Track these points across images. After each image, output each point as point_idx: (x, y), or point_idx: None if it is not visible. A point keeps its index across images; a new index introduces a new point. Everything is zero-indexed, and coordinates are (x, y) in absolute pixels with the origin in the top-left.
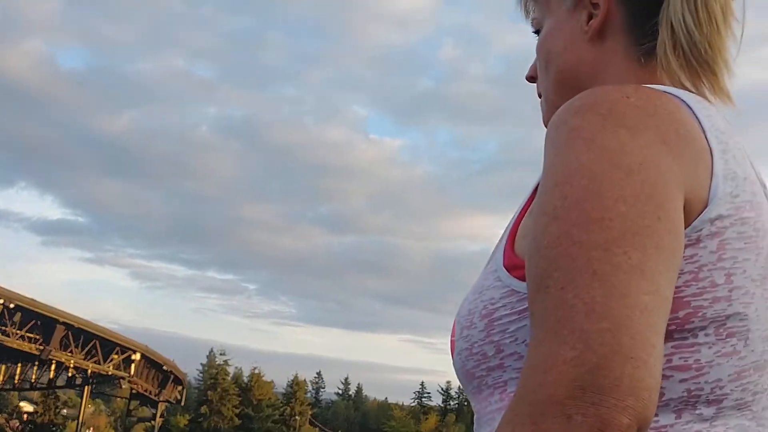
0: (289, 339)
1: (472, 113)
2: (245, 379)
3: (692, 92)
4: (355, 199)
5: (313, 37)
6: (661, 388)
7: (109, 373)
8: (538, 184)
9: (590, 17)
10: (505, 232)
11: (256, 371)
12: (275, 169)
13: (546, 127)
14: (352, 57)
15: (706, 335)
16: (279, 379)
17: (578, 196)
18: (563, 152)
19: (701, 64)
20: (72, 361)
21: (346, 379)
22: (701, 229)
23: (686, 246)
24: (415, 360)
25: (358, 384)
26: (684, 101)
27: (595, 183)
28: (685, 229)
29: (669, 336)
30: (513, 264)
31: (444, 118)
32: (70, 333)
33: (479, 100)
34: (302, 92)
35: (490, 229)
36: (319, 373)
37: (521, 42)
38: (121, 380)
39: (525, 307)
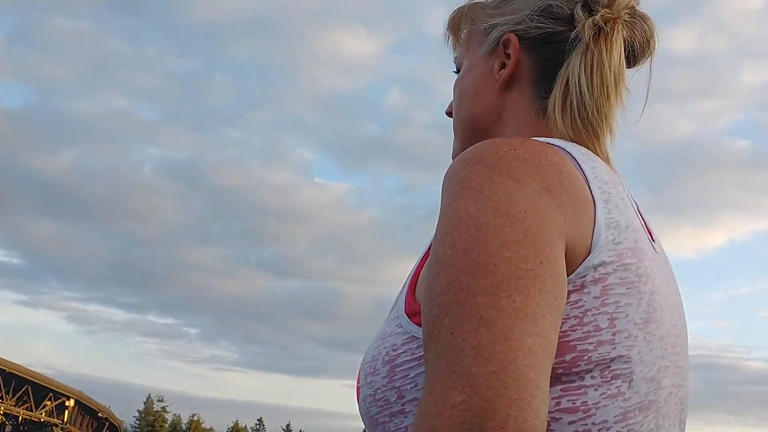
0: (230, 385)
1: (418, 159)
2: (184, 426)
3: (579, 144)
4: (300, 243)
5: (260, 79)
6: (552, 430)
7: (42, 420)
8: None
9: (502, 66)
10: (407, 279)
11: (195, 418)
12: (219, 211)
13: None
14: (298, 100)
15: (592, 378)
16: (219, 425)
17: (466, 244)
18: (454, 202)
19: (586, 126)
20: (2, 408)
21: (287, 425)
22: (585, 275)
23: (571, 291)
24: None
25: (300, 430)
26: (570, 153)
27: (481, 231)
28: (569, 275)
29: (557, 379)
30: (413, 310)
31: (390, 164)
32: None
33: (425, 147)
34: (248, 135)
35: None
36: (260, 420)
37: None
38: (53, 427)
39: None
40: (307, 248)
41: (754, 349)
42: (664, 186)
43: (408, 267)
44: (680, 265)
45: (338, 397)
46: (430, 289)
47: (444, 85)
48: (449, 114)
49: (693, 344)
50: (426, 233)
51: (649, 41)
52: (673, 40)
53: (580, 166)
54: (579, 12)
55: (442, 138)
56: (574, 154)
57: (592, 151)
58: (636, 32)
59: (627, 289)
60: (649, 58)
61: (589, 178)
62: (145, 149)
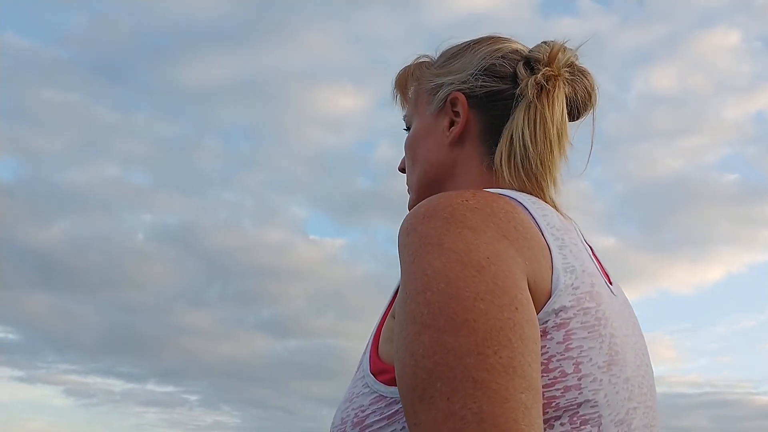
0: None
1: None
2: None
3: (529, 193)
4: (297, 301)
5: (249, 140)
6: None
7: None
8: (398, 289)
9: (452, 123)
10: (369, 337)
11: None
12: (214, 274)
13: None
14: (289, 159)
15: (562, 425)
16: None
17: (441, 302)
18: (418, 259)
19: (529, 177)
20: None
21: None
22: (546, 321)
23: None
24: None
25: None
26: (520, 202)
27: (451, 286)
28: None
29: None
30: (379, 369)
31: (383, 216)
32: None
33: None
34: (240, 196)
35: None
36: None
37: None
38: None
39: (394, 411)
40: (305, 306)
41: (761, 383)
42: (658, 224)
43: None
44: (681, 302)
45: None
46: (411, 351)
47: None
48: (402, 170)
49: (699, 382)
50: None
51: (590, 94)
52: (655, 79)
53: (531, 213)
54: (521, 70)
55: None
56: (524, 203)
57: (540, 199)
58: (577, 87)
59: (588, 333)
60: (592, 110)
61: (542, 225)
62: (138, 216)
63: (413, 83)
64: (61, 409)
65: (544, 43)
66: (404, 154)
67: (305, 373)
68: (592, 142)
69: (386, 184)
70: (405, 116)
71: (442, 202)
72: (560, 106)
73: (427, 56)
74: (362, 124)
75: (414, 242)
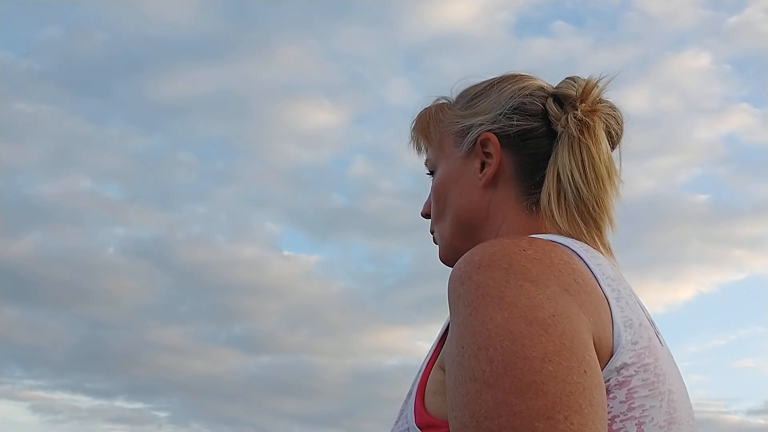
0: None
1: (385, 228)
2: None
3: (577, 239)
4: (271, 317)
5: (224, 155)
6: None
7: None
8: (443, 337)
9: (483, 165)
10: (413, 386)
11: None
12: (186, 289)
13: (444, 263)
14: (264, 174)
15: None
16: None
17: (505, 361)
18: (476, 312)
19: (586, 220)
20: None
21: None
22: (609, 380)
23: None
24: None
25: None
26: (574, 251)
27: (516, 344)
28: None
29: None
30: (426, 423)
31: (358, 233)
32: None
33: (392, 215)
34: (214, 211)
35: (406, 341)
36: None
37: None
38: None
39: None
40: (278, 323)
41: (732, 402)
42: (632, 243)
43: (382, 338)
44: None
45: None
46: (471, 410)
47: (406, 154)
48: (426, 215)
49: None
50: (396, 301)
51: (621, 128)
52: (627, 100)
53: (586, 263)
54: (552, 107)
55: (408, 205)
56: (578, 252)
57: (592, 245)
58: (611, 122)
59: (649, 391)
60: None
61: (598, 276)
62: (109, 229)
63: (436, 126)
64: (25, 426)
65: (570, 79)
66: (431, 199)
67: (278, 390)
68: (619, 175)
69: (362, 200)
70: (427, 159)
71: (498, 251)
72: (605, 142)
73: (444, 98)
74: (338, 141)
75: (470, 292)
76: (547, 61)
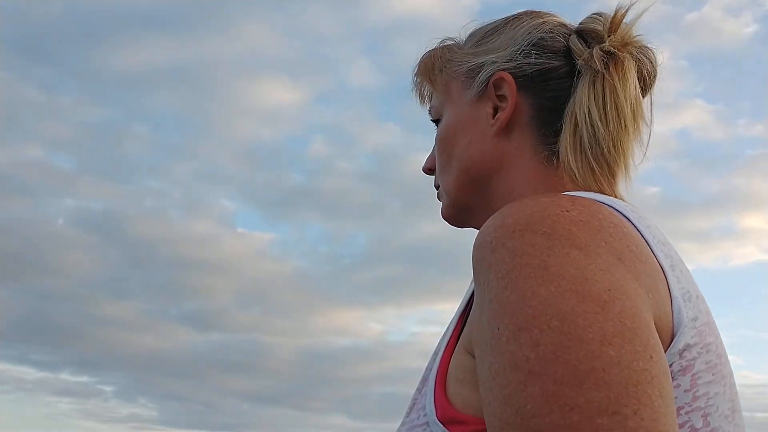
0: None
1: (342, 208)
2: None
3: (605, 194)
4: (222, 295)
5: (179, 129)
6: None
7: None
8: (464, 313)
9: (495, 110)
10: (429, 372)
11: None
12: (137, 264)
13: (449, 222)
14: (220, 150)
15: None
16: None
17: (555, 344)
18: (513, 284)
19: (600, 164)
20: None
21: None
22: (672, 364)
23: None
24: None
25: None
26: (619, 211)
27: (568, 324)
28: None
29: None
30: (450, 417)
31: (314, 213)
32: None
33: (349, 196)
34: (167, 185)
35: (359, 322)
36: None
37: (388, 141)
38: None
39: None
40: (230, 300)
41: None
42: None
43: (335, 318)
44: None
45: None
46: (515, 405)
47: (365, 134)
48: (429, 171)
49: None
50: (350, 282)
51: (655, 71)
52: None
53: (635, 225)
54: (576, 43)
55: (365, 187)
56: (624, 212)
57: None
58: (644, 60)
59: (713, 375)
60: (650, 90)
61: (650, 241)
62: (59, 200)
63: (443, 67)
64: None
65: (595, 14)
66: (434, 151)
67: (228, 367)
68: (650, 126)
69: (319, 180)
70: (432, 107)
71: (537, 212)
72: (633, 79)
73: (451, 39)
74: (297, 119)
75: (505, 261)
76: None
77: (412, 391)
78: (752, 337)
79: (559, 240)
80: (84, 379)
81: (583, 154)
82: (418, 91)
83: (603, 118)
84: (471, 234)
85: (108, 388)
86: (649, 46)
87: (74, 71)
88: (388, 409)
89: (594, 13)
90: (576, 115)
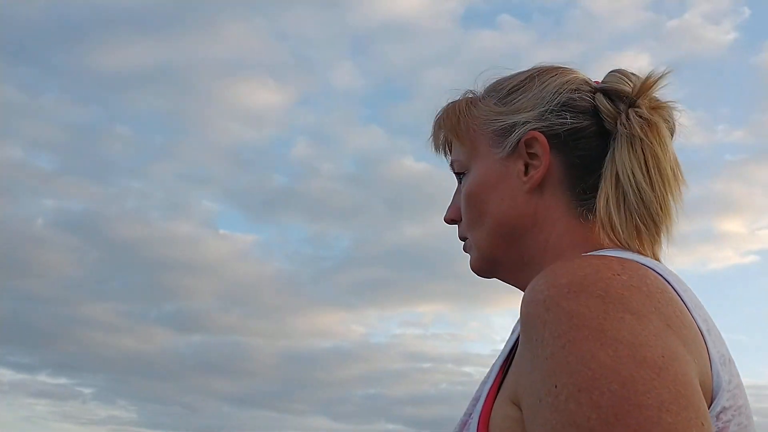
0: None
1: (325, 211)
2: None
3: (642, 254)
4: (204, 296)
5: (162, 130)
6: None
7: None
8: (506, 361)
9: (526, 167)
10: (469, 417)
11: None
12: (117, 265)
13: (478, 274)
14: (202, 152)
15: None
16: None
17: (616, 408)
18: (571, 346)
19: (648, 226)
20: None
21: None
22: None
23: None
24: None
25: None
26: (660, 274)
27: (628, 389)
28: None
29: None
30: None
31: (297, 215)
32: None
33: (332, 198)
34: (149, 186)
35: (341, 325)
36: None
37: (371, 144)
38: None
39: None
40: (212, 302)
41: None
42: None
43: (317, 320)
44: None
45: None
46: None
47: (349, 137)
48: (452, 222)
49: None
50: (333, 284)
51: (674, 128)
52: None
53: (675, 290)
54: (604, 103)
55: (349, 189)
56: (664, 275)
57: (646, 255)
58: (670, 122)
59: None
60: None
61: (689, 305)
62: (40, 201)
63: (469, 122)
64: None
65: (617, 72)
66: (461, 203)
67: (208, 369)
68: (684, 178)
69: (302, 182)
70: (455, 160)
71: (590, 274)
72: (670, 141)
73: (471, 92)
74: (281, 121)
75: (561, 321)
76: (491, 54)
77: (395, 394)
78: (730, 340)
79: (614, 304)
80: (62, 381)
81: (629, 214)
82: (439, 141)
83: (648, 181)
84: (453, 237)
85: (87, 390)
86: (675, 108)
87: (56, 71)
88: (370, 410)
89: (615, 71)
90: (619, 177)
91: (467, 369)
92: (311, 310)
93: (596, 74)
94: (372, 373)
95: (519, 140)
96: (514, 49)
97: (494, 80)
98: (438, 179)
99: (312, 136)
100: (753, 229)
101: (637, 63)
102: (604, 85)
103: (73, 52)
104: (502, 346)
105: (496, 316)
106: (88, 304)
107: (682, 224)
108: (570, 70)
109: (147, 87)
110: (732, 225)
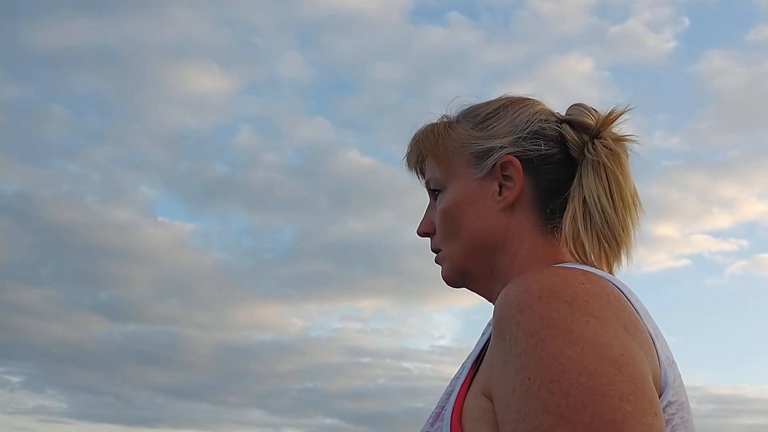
0: None
1: (267, 202)
2: None
3: (598, 269)
4: (140, 285)
5: (101, 112)
6: None
7: None
8: (477, 361)
9: (500, 188)
10: (442, 410)
11: None
12: (50, 250)
13: (449, 284)
14: (142, 137)
15: None
16: None
17: (583, 396)
18: (543, 343)
19: (611, 245)
20: None
21: None
22: None
23: None
24: None
25: None
26: (615, 285)
27: (593, 381)
28: None
29: None
30: None
31: (239, 205)
32: None
33: (275, 189)
34: (85, 169)
35: (280, 318)
36: None
37: (316, 135)
38: None
39: None
40: (147, 291)
41: None
42: None
43: (256, 313)
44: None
45: None
46: None
47: (294, 128)
48: (425, 234)
49: None
50: (273, 277)
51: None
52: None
53: (628, 299)
54: (571, 133)
55: (292, 181)
56: (618, 286)
57: (606, 271)
58: (627, 153)
59: (685, 429)
60: None
61: (641, 313)
62: None
63: (447, 144)
64: None
65: (579, 106)
66: (436, 218)
67: (142, 360)
68: (642, 206)
69: (244, 172)
70: (431, 178)
71: (558, 282)
72: (630, 172)
73: (446, 116)
74: (224, 108)
75: (533, 322)
76: (440, 51)
77: (333, 388)
78: None
79: (579, 308)
80: None
81: (594, 233)
82: (415, 159)
83: (611, 205)
84: (396, 233)
85: (15, 379)
86: (636, 141)
87: None
88: (306, 404)
89: (577, 105)
90: (586, 200)
91: (406, 364)
92: (250, 303)
93: (543, 78)
94: (310, 367)
95: (495, 163)
96: (462, 46)
97: (467, 106)
98: (383, 175)
99: (256, 126)
100: (686, 234)
101: (580, 66)
102: (569, 117)
103: (7, 27)
104: (441, 342)
105: (435, 312)
106: (18, 290)
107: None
108: (537, 101)
109: (86, 66)
110: (666, 229)
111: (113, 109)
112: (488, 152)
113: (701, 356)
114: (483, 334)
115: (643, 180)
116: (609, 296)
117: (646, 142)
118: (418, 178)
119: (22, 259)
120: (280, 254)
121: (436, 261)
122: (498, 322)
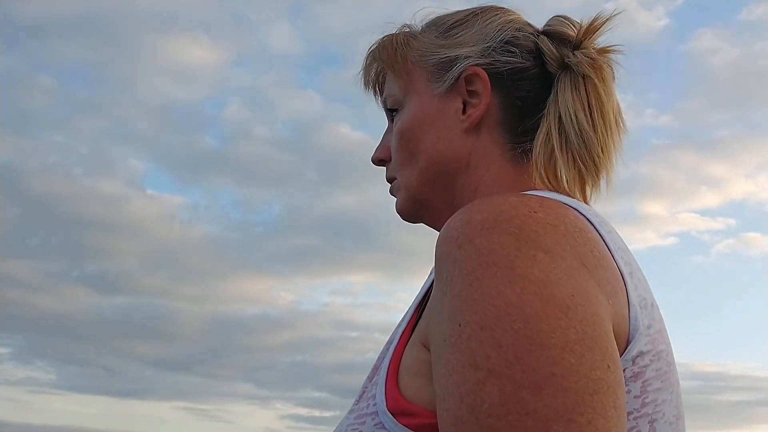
0: (46, 409)
1: (256, 175)
2: None
3: (571, 196)
4: (128, 258)
5: (89, 83)
6: None
7: None
8: (421, 305)
9: (464, 105)
10: (382, 361)
11: None
12: (37, 222)
13: (404, 217)
14: (131, 108)
15: None
16: None
17: (516, 346)
18: (478, 282)
19: (588, 167)
20: None
21: None
22: (624, 370)
23: None
24: (186, 429)
25: None
26: (583, 214)
27: (531, 328)
28: None
29: None
30: (401, 409)
31: (228, 179)
32: None
33: (264, 163)
34: (73, 141)
35: (269, 291)
36: None
37: (307, 109)
38: None
39: None
40: (136, 264)
41: None
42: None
43: (244, 286)
44: None
45: (164, 420)
46: (469, 403)
47: (284, 101)
48: (380, 161)
49: None
50: (262, 250)
51: (614, 76)
52: None
53: (598, 231)
54: (548, 45)
55: (282, 154)
56: (588, 216)
57: (580, 195)
58: (613, 68)
59: (662, 382)
60: None
61: (611, 247)
62: None
63: (407, 55)
64: None
65: (560, 17)
66: (393, 142)
67: (131, 332)
68: (626, 126)
69: (234, 145)
70: (389, 96)
71: (505, 211)
72: (614, 87)
73: (408, 26)
74: (214, 81)
75: (470, 258)
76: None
77: (322, 361)
78: None
79: (526, 241)
80: None
81: (569, 154)
82: (370, 75)
83: (590, 123)
84: (387, 208)
85: (3, 350)
86: (621, 52)
87: None
88: (295, 378)
89: (559, 16)
90: (561, 117)
91: None
92: (239, 276)
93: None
94: (299, 341)
95: (459, 75)
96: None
97: (434, 16)
98: (374, 149)
99: (246, 98)
100: (674, 212)
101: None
102: (547, 27)
103: None
104: None
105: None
106: (5, 262)
107: (606, 204)
108: (513, 11)
109: (73, 36)
110: (654, 207)
111: (101, 80)
112: (451, 63)
113: (686, 333)
114: (430, 274)
115: (633, 158)
116: (567, 226)
117: (637, 120)
118: (376, 99)
119: (9, 230)
120: (269, 228)
121: (391, 192)
122: (437, 259)
